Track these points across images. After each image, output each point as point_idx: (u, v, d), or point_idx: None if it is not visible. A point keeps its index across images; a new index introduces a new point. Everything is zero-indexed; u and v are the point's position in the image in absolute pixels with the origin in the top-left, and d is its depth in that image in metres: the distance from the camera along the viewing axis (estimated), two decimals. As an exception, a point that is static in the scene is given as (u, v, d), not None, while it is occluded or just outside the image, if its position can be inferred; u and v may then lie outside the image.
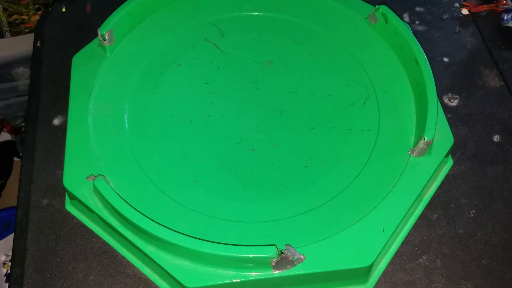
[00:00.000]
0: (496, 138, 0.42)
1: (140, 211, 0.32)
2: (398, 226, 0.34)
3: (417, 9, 0.51)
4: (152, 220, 0.32)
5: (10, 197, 0.86)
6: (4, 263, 0.73)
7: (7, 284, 0.71)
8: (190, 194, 0.36)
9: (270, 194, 0.36)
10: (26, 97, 0.59)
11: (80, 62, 0.42)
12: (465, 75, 0.46)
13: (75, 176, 0.36)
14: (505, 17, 0.50)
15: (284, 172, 0.37)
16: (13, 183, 0.87)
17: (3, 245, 0.74)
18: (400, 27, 0.42)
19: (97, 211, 0.34)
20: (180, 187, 0.36)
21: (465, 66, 0.47)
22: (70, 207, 0.38)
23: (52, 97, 0.44)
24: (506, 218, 0.38)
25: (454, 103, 0.44)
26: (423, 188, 0.36)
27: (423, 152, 0.36)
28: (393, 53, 0.44)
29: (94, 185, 0.34)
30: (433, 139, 0.36)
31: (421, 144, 0.36)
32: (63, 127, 0.42)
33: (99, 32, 0.42)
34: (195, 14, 0.46)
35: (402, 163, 0.37)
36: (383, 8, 0.44)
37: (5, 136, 0.85)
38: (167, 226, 0.32)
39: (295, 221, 0.35)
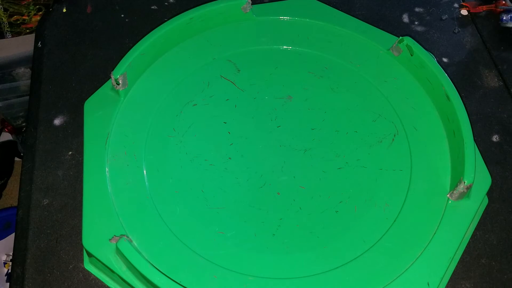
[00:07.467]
0: (495, 138, 0.43)
1: (166, 270, 0.31)
2: (442, 277, 0.32)
3: (417, 9, 0.51)
4: (182, 286, 0.30)
5: (11, 197, 0.87)
6: (5, 263, 0.73)
7: (8, 283, 0.71)
8: (216, 247, 0.34)
9: (301, 245, 0.34)
10: (27, 97, 0.59)
11: (93, 108, 0.40)
12: (464, 75, 0.47)
13: (95, 235, 0.33)
14: (504, 18, 0.50)
15: (314, 218, 0.35)
16: (14, 183, 0.88)
17: (4, 245, 0.74)
18: (427, 60, 0.40)
19: (120, 274, 0.32)
20: (205, 240, 0.34)
21: (464, 67, 0.47)
22: (89, 266, 0.35)
23: (52, 97, 0.44)
24: (505, 218, 0.38)
25: (454, 103, 0.44)
26: (465, 233, 0.34)
27: (462, 196, 0.35)
28: (420, 86, 0.41)
29: (117, 248, 0.31)
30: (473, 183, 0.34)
31: (461, 188, 0.34)
32: (63, 127, 0.42)
33: (112, 77, 0.39)
34: (209, 50, 0.44)
35: (441, 207, 0.35)
36: (408, 40, 0.41)
37: (6, 136, 0.85)
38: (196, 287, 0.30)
39: (330, 277, 0.32)
